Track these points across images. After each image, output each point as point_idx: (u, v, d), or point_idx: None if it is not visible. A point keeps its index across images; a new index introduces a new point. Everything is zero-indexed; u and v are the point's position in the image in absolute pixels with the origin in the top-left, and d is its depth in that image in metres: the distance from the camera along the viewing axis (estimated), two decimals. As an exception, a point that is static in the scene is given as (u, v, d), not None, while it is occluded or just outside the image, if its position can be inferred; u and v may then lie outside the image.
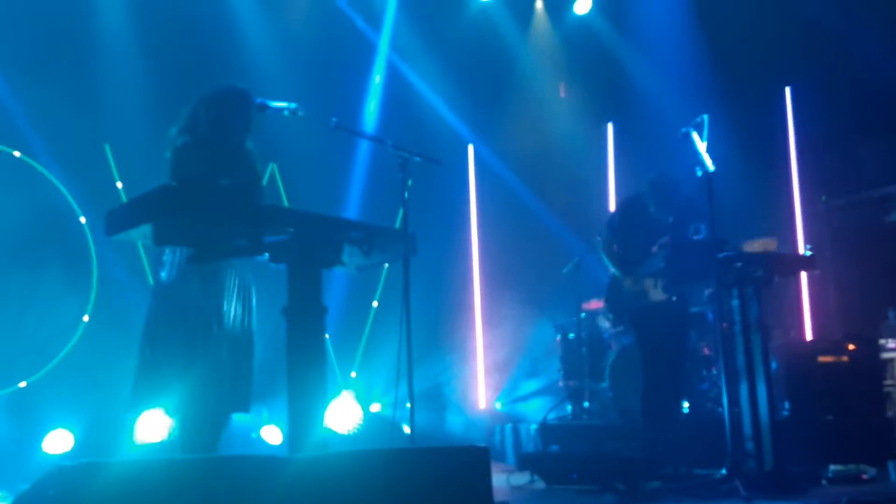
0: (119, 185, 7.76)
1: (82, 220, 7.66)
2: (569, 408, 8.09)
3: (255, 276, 4.25)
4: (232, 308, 4.06)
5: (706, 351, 7.40)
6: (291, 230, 3.56)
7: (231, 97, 4.12)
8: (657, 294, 5.70)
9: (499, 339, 9.62)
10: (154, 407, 4.02)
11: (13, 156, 7.51)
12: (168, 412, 4.23)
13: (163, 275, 4.02)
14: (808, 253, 5.69)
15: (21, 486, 4.33)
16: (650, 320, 5.78)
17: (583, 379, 7.96)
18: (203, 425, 4.02)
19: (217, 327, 3.99)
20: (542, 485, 5.65)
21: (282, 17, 8.62)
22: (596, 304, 8.31)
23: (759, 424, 4.97)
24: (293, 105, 4.07)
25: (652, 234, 5.69)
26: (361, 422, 8.16)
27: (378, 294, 8.93)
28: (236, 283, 4.12)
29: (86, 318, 7.50)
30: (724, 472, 4.81)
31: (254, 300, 4.19)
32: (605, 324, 8.08)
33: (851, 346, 6.63)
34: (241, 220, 3.55)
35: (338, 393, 8.42)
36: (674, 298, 5.72)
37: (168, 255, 4.03)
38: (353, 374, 8.54)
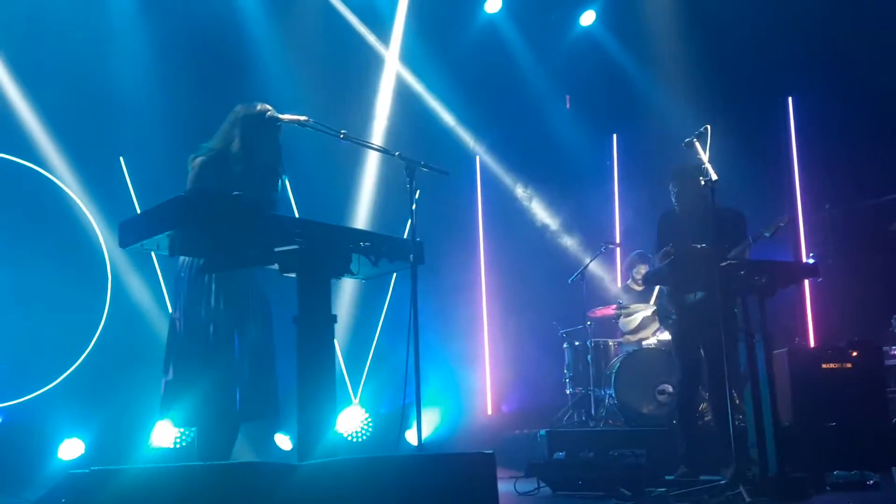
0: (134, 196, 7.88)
1: (97, 230, 7.77)
2: (575, 414, 8.16)
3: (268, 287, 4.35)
4: (251, 319, 4.17)
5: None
6: (301, 240, 3.64)
7: (260, 118, 4.23)
8: (692, 296, 5.78)
9: (506, 347, 9.69)
10: (175, 416, 4.10)
11: (31, 168, 7.62)
12: (175, 423, 4.31)
13: (183, 289, 4.12)
14: (812, 261, 5.72)
15: (36, 493, 4.40)
16: (678, 324, 5.93)
17: (588, 386, 8.03)
18: (221, 433, 4.13)
19: (238, 339, 4.10)
20: (549, 491, 5.70)
21: (293, 31, 8.72)
22: (601, 311, 8.38)
23: (762, 430, 5.01)
24: (303, 117, 4.15)
25: (681, 237, 5.75)
26: (369, 427, 8.25)
27: (387, 303, 9.01)
28: (255, 294, 4.23)
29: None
30: (727, 478, 4.86)
31: (271, 310, 4.30)
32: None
33: (855, 353, 6.67)
34: (252, 231, 3.63)
35: (348, 403, 8.50)
36: (697, 297, 5.74)
37: (185, 270, 4.13)
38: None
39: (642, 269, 8.12)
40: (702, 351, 5.84)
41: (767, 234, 5.36)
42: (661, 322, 6.54)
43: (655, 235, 6.11)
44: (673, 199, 5.99)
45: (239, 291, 4.15)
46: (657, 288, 6.54)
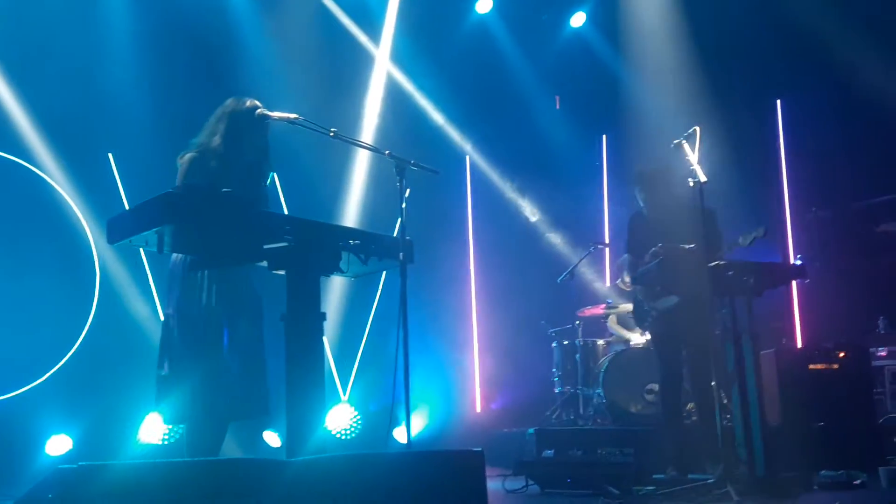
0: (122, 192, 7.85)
1: (86, 227, 7.75)
2: (564, 413, 8.18)
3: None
4: (243, 316, 4.17)
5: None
6: (291, 237, 3.63)
7: (247, 115, 4.23)
8: (667, 300, 5.80)
9: (495, 345, 9.70)
10: (164, 412, 4.10)
11: (19, 164, 7.59)
12: (165, 420, 4.30)
13: (176, 285, 4.11)
14: (799, 262, 5.73)
15: (24, 488, 4.39)
16: (657, 325, 5.94)
17: (577, 385, 8.05)
18: (210, 430, 4.13)
19: (228, 336, 4.09)
20: (537, 489, 5.72)
21: (284, 29, 8.71)
22: (590, 311, 8.40)
23: (750, 430, 5.03)
24: (293, 115, 4.14)
25: (653, 239, 5.76)
26: (358, 424, 8.25)
27: (376, 300, 9.01)
28: (247, 291, 4.22)
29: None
30: (715, 477, 4.89)
31: (263, 307, 4.29)
32: (621, 331, 8.21)
33: (842, 354, 6.70)
34: (242, 227, 3.63)
35: (337, 400, 8.50)
36: (676, 301, 5.76)
37: (179, 266, 4.12)
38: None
39: None
40: (683, 351, 5.88)
41: (744, 244, 5.34)
42: (638, 323, 6.54)
43: (627, 235, 6.15)
44: (640, 203, 6.02)
45: (232, 288, 4.14)
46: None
